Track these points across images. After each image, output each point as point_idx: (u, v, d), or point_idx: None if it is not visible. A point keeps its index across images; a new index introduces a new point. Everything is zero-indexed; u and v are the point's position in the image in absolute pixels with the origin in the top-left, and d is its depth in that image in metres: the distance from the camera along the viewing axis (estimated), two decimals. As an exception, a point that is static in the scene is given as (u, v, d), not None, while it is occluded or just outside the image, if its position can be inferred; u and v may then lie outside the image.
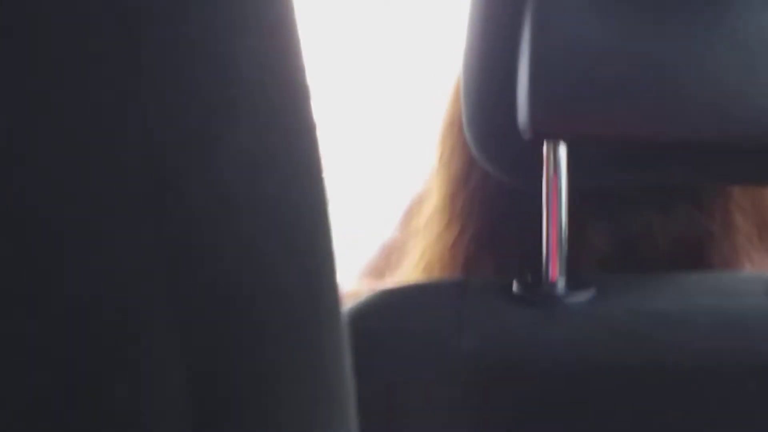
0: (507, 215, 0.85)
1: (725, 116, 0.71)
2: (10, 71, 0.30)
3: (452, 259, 0.86)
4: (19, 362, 0.32)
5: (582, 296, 0.75)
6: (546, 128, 0.72)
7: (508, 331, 0.73)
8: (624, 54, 0.71)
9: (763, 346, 0.72)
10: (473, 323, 0.74)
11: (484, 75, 0.76)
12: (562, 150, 0.73)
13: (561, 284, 0.75)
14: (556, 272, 0.75)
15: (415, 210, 0.95)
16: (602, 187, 0.80)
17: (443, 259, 0.87)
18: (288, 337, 0.35)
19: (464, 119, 0.77)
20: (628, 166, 0.77)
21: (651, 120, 0.72)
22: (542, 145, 0.74)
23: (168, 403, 0.32)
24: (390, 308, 0.77)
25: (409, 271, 0.91)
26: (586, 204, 0.80)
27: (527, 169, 0.75)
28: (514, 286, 0.76)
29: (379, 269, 1.15)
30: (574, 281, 0.76)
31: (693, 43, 0.70)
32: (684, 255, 0.83)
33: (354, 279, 1.21)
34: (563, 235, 0.75)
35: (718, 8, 0.70)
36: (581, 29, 0.71)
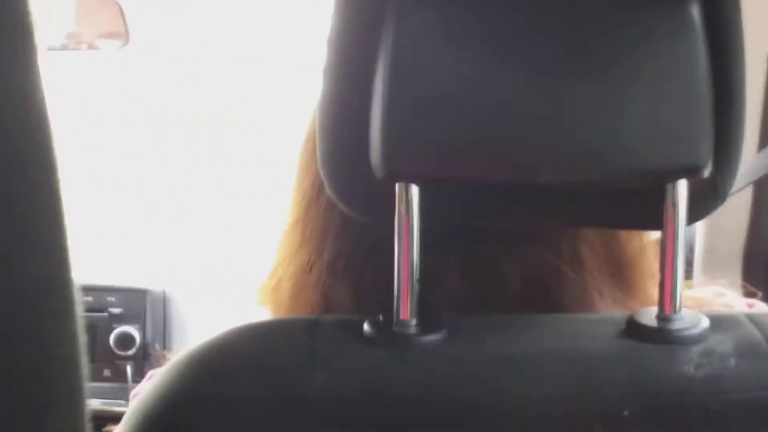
0: (360, 247, 0.86)
1: (572, 160, 0.73)
2: None
3: (305, 281, 0.88)
4: None
5: (433, 337, 0.76)
6: (398, 169, 0.74)
7: (357, 370, 0.74)
8: (477, 98, 0.72)
9: (609, 390, 0.73)
10: (324, 362, 0.74)
11: (338, 112, 0.76)
12: (414, 191, 0.75)
13: (412, 324, 0.76)
14: (407, 312, 0.76)
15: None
16: (453, 227, 0.82)
17: (295, 278, 0.88)
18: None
19: (318, 155, 0.78)
20: (478, 208, 0.79)
21: (501, 164, 0.73)
22: (394, 185, 0.75)
23: None
24: (240, 346, 0.77)
25: (260, 288, 0.92)
26: (438, 243, 0.81)
27: (380, 208, 0.77)
28: (365, 326, 0.76)
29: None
30: (426, 321, 0.76)
31: (548, 89, 0.72)
32: (534, 295, 0.85)
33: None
34: (414, 276, 0.76)
35: (577, 54, 0.72)
36: (436, 71, 0.72)
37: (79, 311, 0.46)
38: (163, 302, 2.40)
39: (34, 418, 0.44)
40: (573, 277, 0.86)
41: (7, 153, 0.43)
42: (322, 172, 0.78)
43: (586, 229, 0.86)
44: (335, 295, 0.87)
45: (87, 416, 0.46)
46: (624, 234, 0.88)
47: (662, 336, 0.77)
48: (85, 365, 0.46)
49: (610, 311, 0.86)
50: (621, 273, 0.88)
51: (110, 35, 2.13)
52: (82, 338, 0.46)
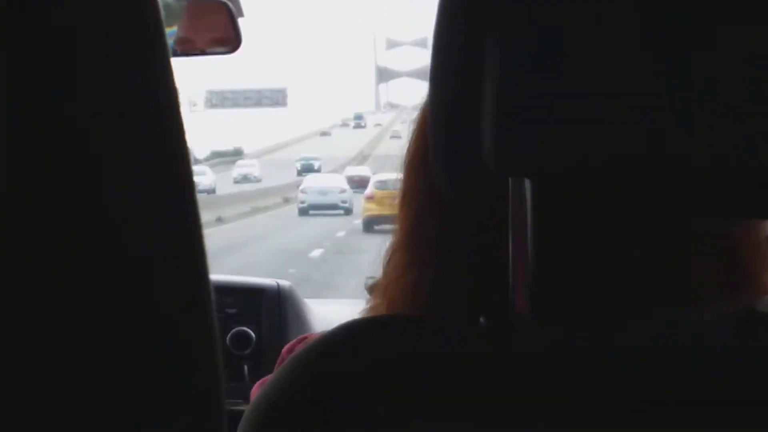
0: (469, 252, 0.86)
1: (696, 152, 0.73)
2: None
3: (415, 296, 0.88)
4: None
5: (551, 330, 0.77)
6: (511, 164, 0.75)
7: (478, 363, 0.75)
8: (588, 91, 0.73)
9: (734, 379, 0.75)
10: (444, 355, 0.76)
11: (450, 108, 0.77)
12: (528, 185, 0.76)
13: (528, 316, 0.77)
14: (521, 305, 0.76)
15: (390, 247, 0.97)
16: (568, 222, 0.82)
17: (406, 297, 0.89)
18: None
19: (431, 152, 0.79)
20: (593, 202, 0.79)
21: (617, 159, 0.74)
22: (508, 179, 0.76)
23: None
24: (352, 344, 0.78)
25: (374, 309, 0.93)
26: (553, 238, 0.82)
27: (493, 202, 0.77)
28: (482, 319, 0.77)
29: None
30: (541, 314, 0.77)
31: (666, 86, 0.72)
32: (650, 287, 0.85)
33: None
34: (529, 269, 0.76)
35: (685, 56, 0.72)
36: (546, 62, 0.73)
37: (214, 309, 0.48)
38: (278, 300, 2.38)
39: (172, 415, 0.46)
40: (689, 271, 0.85)
41: (147, 154, 0.46)
42: (435, 170, 0.79)
43: (702, 220, 0.86)
44: (442, 302, 0.87)
45: (224, 414, 0.48)
46: (740, 227, 0.87)
47: None
48: (221, 363, 0.48)
49: (727, 304, 0.85)
50: (737, 267, 0.87)
51: (221, 41, 2.13)
52: (217, 336, 0.48)
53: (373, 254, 1.00)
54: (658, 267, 0.85)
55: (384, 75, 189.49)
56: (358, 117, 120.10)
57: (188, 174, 0.47)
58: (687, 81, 0.72)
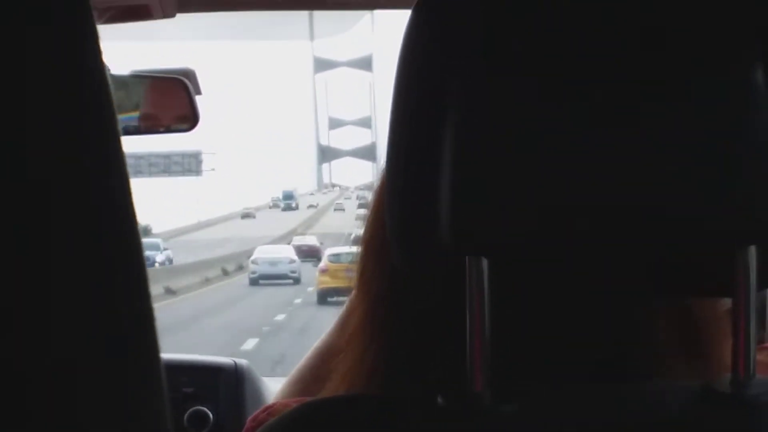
0: (427, 332, 0.90)
1: (643, 229, 0.77)
2: None
3: (374, 376, 0.91)
4: None
5: (508, 407, 0.78)
6: (468, 243, 0.77)
7: None
8: (545, 172, 0.76)
9: None
10: None
11: (407, 187, 0.80)
12: (485, 264, 0.77)
13: (486, 395, 0.78)
14: (480, 384, 0.78)
15: (346, 318, 1.04)
16: (525, 299, 0.85)
17: (365, 377, 0.92)
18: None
19: (387, 230, 0.82)
20: (549, 281, 0.82)
21: (570, 238, 0.77)
22: (465, 258, 0.78)
23: None
24: (313, 423, 0.81)
25: (333, 389, 0.95)
26: (509, 315, 0.84)
27: (450, 282, 0.79)
28: (439, 399, 0.79)
29: (308, 377, 1.26)
30: (499, 392, 0.78)
31: (616, 158, 0.75)
32: (608, 363, 0.88)
33: (284, 386, 1.28)
34: (486, 348, 0.77)
35: (645, 123, 0.76)
36: (504, 142, 0.76)
37: (165, 390, 0.53)
38: (235, 378, 2.42)
39: None
40: (646, 345, 0.88)
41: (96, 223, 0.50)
42: (392, 247, 0.82)
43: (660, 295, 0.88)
44: (401, 383, 0.90)
45: None
46: (698, 301, 0.90)
47: (737, 401, 0.78)
48: None
49: (684, 378, 0.87)
50: (694, 340, 0.90)
51: (182, 118, 2.19)
52: (168, 415, 0.53)
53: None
54: (616, 342, 0.87)
55: (327, 154, 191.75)
56: (288, 197, 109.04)
57: (138, 248, 0.51)
58: (640, 161, 0.75)
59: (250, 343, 17.12)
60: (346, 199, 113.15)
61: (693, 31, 0.77)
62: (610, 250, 0.79)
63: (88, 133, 0.51)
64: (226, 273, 34.65)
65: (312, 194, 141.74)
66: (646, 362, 0.88)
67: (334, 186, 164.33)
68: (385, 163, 0.83)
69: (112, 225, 0.51)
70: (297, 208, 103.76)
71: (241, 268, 35.30)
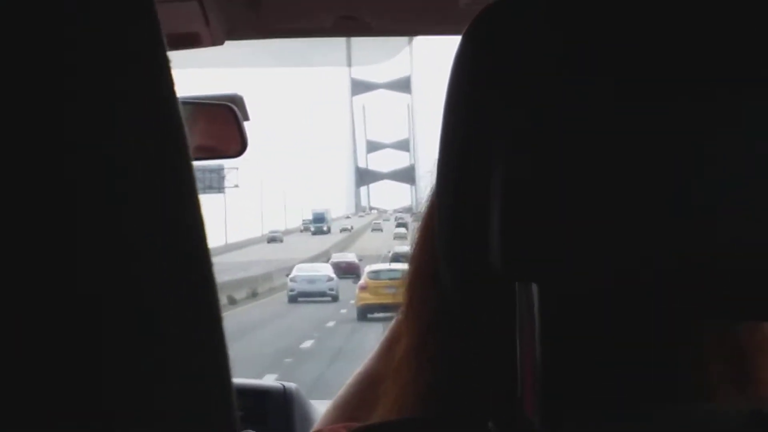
0: (478, 358, 0.91)
1: (698, 251, 0.77)
2: None
3: (424, 402, 0.93)
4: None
5: None
6: (518, 269, 0.79)
7: None
8: (594, 198, 0.77)
9: None
10: None
11: (458, 214, 0.81)
12: (535, 290, 0.79)
13: (537, 421, 0.79)
14: (531, 409, 0.79)
15: (392, 343, 1.04)
16: (574, 323, 0.86)
17: (416, 402, 0.93)
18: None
19: (439, 255, 0.83)
20: (600, 307, 0.84)
21: (627, 269, 0.78)
22: (515, 284, 0.80)
23: None
24: None
25: (384, 415, 0.96)
26: (560, 340, 0.84)
27: (501, 307, 0.81)
28: (490, 425, 0.80)
29: (354, 402, 1.25)
30: (551, 418, 0.80)
31: (666, 185, 0.76)
32: (658, 387, 0.88)
33: (328, 411, 1.29)
34: (538, 373, 0.79)
35: (690, 146, 0.76)
36: (556, 170, 0.77)
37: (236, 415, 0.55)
38: (284, 402, 2.44)
39: None
40: (696, 371, 0.89)
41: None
42: (442, 273, 0.84)
43: (707, 328, 0.89)
44: (452, 407, 0.92)
45: None
46: (747, 324, 0.91)
47: None
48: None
49: (733, 404, 0.88)
50: (745, 364, 0.90)
51: (231, 144, 2.25)
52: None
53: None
54: (665, 370, 0.88)
55: (365, 177, 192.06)
56: (319, 219, 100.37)
57: (211, 272, 0.53)
58: (686, 194, 0.75)
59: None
60: (384, 221, 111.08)
61: (744, 52, 0.77)
62: (661, 277, 0.79)
63: (165, 160, 0.53)
64: (232, 302, 33.96)
65: (348, 217, 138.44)
66: (695, 388, 0.89)
67: (372, 209, 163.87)
68: (435, 187, 0.86)
69: (185, 250, 0.52)
70: (329, 231, 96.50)
71: (254, 295, 35.44)
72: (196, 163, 0.53)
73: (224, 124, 2.22)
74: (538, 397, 0.80)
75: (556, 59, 0.79)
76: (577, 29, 0.79)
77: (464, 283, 0.84)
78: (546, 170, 0.78)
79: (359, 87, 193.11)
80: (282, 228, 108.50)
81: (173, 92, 0.54)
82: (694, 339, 0.90)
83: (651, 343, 0.89)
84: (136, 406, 0.50)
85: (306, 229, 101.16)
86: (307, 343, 20.99)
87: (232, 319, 25.35)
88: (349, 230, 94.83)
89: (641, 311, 0.84)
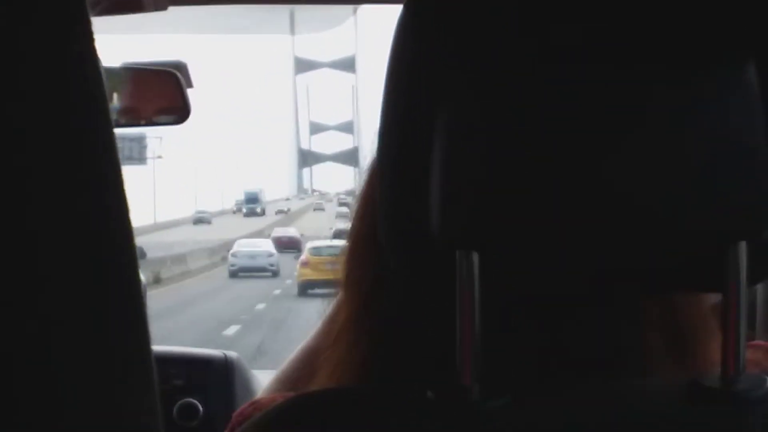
0: (417, 327, 0.93)
1: (631, 227, 0.79)
2: None
3: (363, 372, 0.94)
4: None
5: (497, 402, 0.81)
6: (459, 237, 0.80)
7: None
8: (533, 169, 0.78)
9: None
10: (389, 429, 0.82)
11: (399, 181, 0.82)
12: (475, 259, 0.80)
13: (476, 390, 0.80)
14: (469, 378, 0.80)
15: (333, 318, 1.04)
16: (514, 295, 0.88)
17: (354, 373, 0.94)
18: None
19: (379, 224, 0.84)
20: (538, 277, 0.84)
21: (558, 234, 0.80)
22: (455, 252, 0.80)
23: None
24: (300, 417, 0.84)
25: (322, 384, 0.97)
26: (498, 310, 0.86)
27: (440, 277, 0.82)
28: (429, 392, 0.81)
29: (294, 375, 1.28)
30: (489, 387, 0.81)
31: (602, 155, 0.78)
32: (594, 361, 0.90)
33: (270, 384, 1.33)
34: (476, 342, 0.80)
35: (631, 120, 0.78)
36: (495, 139, 0.79)
37: (155, 382, 0.55)
38: (225, 370, 2.50)
39: None
40: (634, 343, 0.91)
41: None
42: (382, 242, 0.85)
43: (647, 304, 0.91)
44: (391, 378, 0.93)
45: None
46: (684, 297, 0.93)
47: (726, 397, 0.80)
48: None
49: (671, 376, 0.90)
50: (680, 337, 0.92)
51: (168, 110, 2.22)
52: (159, 410, 0.56)
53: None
54: (603, 338, 0.90)
55: (308, 159, 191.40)
56: (252, 199, 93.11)
57: (130, 238, 0.53)
58: (630, 158, 0.78)
59: (232, 329, 18.65)
60: (327, 201, 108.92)
61: (685, 29, 0.79)
62: (600, 246, 0.81)
63: (81, 123, 0.52)
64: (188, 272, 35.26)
65: (288, 199, 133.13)
66: (632, 360, 0.91)
67: (314, 192, 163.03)
68: (376, 156, 0.87)
69: (103, 216, 0.52)
70: (263, 213, 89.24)
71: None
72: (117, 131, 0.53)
73: (168, 91, 2.22)
74: (476, 366, 0.81)
75: (499, 28, 0.81)
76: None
77: (405, 252, 0.85)
78: (487, 140, 0.80)
79: (303, 65, 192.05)
80: (219, 208, 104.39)
81: (93, 52, 0.52)
82: (633, 311, 0.92)
83: (590, 314, 0.91)
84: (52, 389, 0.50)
85: (239, 210, 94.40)
86: (249, 315, 21.80)
87: (170, 294, 26.52)
88: (285, 212, 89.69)
89: (580, 282, 0.86)
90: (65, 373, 0.51)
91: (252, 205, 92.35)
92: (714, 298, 0.88)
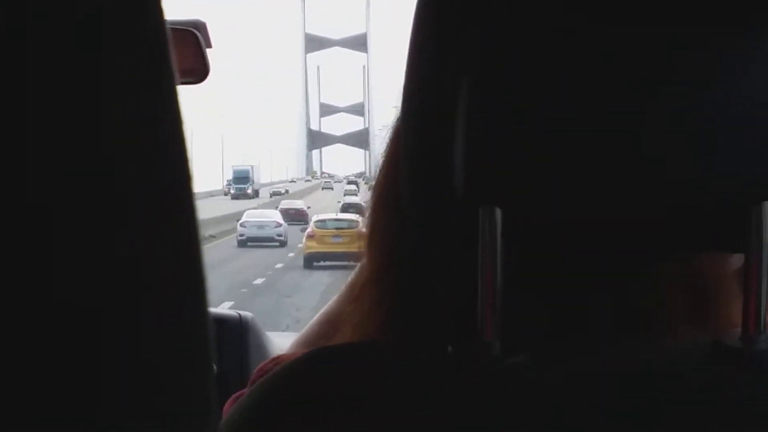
0: (440, 283, 0.93)
1: (655, 186, 0.80)
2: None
3: (386, 328, 0.95)
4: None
5: (517, 357, 0.82)
6: (482, 193, 0.81)
7: (444, 391, 0.82)
8: (557, 127, 0.80)
9: (698, 413, 0.81)
10: (409, 384, 0.83)
11: (422, 138, 0.84)
12: (498, 214, 0.81)
13: (496, 345, 0.81)
14: (490, 334, 0.81)
15: (354, 282, 1.04)
16: (537, 255, 0.89)
17: (377, 329, 0.95)
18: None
19: (401, 180, 0.87)
20: (562, 236, 0.85)
21: (582, 194, 0.81)
22: (478, 209, 0.81)
23: None
24: (322, 369, 0.86)
25: (342, 341, 0.98)
26: (522, 269, 0.88)
27: (463, 232, 0.83)
28: (449, 347, 0.83)
29: (313, 338, 1.30)
30: (510, 343, 0.82)
31: (627, 113, 0.80)
32: (618, 321, 0.91)
33: (291, 347, 1.36)
34: (498, 299, 0.82)
35: (656, 79, 0.80)
36: (517, 98, 0.80)
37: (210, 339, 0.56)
38: (240, 331, 2.51)
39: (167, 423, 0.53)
40: (655, 305, 0.91)
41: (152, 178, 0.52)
42: (404, 198, 0.87)
43: (669, 264, 0.92)
44: (413, 335, 0.94)
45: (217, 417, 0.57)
46: (706, 259, 0.93)
47: (746, 356, 0.82)
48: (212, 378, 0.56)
49: (692, 332, 0.91)
50: (705, 298, 0.93)
51: (189, 71, 2.24)
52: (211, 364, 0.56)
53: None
54: (625, 297, 0.91)
55: (317, 140, 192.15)
56: (241, 178, 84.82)
57: (191, 199, 0.53)
58: (651, 122, 0.79)
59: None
60: (336, 182, 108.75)
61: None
62: (623, 205, 0.82)
63: (148, 82, 0.53)
64: (211, 237, 37.00)
65: (293, 181, 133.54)
66: (654, 321, 0.92)
67: (323, 174, 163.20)
68: (400, 114, 0.88)
69: (165, 177, 0.53)
70: (255, 195, 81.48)
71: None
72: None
73: (187, 49, 2.22)
74: (497, 322, 0.82)
75: None
76: None
77: (428, 209, 0.87)
78: (510, 97, 0.82)
79: (313, 43, 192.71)
80: (208, 188, 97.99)
81: (161, 16, 0.55)
82: (653, 271, 0.93)
83: (610, 273, 0.92)
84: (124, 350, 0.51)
85: (230, 192, 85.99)
86: (259, 281, 23.27)
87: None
88: (282, 194, 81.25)
89: (602, 241, 0.87)
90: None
91: (241, 185, 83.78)
92: (738, 262, 0.90)
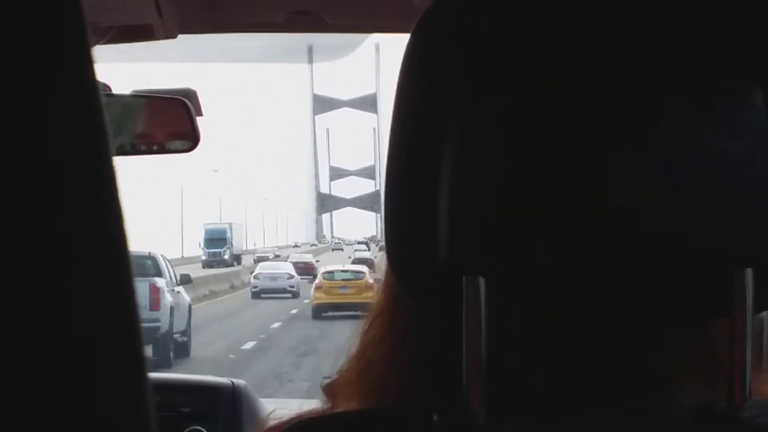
0: (425, 350, 0.96)
1: (638, 253, 0.82)
2: None
3: (377, 399, 0.98)
4: None
5: (502, 427, 0.85)
6: (465, 263, 0.84)
7: None
8: (540, 195, 0.82)
9: None
10: None
11: (406, 208, 0.87)
12: (481, 283, 0.83)
13: (482, 414, 0.84)
14: (476, 402, 0.84)
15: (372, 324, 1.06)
16: (523, 319, 0.90)
17: (386, 361, 0.99)
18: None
19: (387, 252, 0.89)
20: (547, 301, 0.87)
21: (566, 261, 0.83)
22: (462, 277, 0.84)
23: None
24: None
25: (340, 376, 1.02)
26: (511, 332, 0.90)
27: (448, 299, 0.85)
28: (435, 416, 0.85)
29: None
30: (497, 411, 0.84)
31: (611, 181, 0.81)
32: (613, 383, 0.92)
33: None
34: (483, 367, 0.83)
35: (639, 146, 0.82)
36: (501, 166, 0.83)
37: (153, 412, 0.55)
38: (233, 398, 2.61)
39: None
40: (653, 368, 0.92)
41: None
42: (389, 261, 0.90)
43: (673, 315, 0.92)
44: (415, 388, 0.96)
45: None
46: (715, 325, 0.93)
47: (732, 425, 0.84)
48: None
49: (690, 399, 0.91)
50: (713, 358, 0.93)
51: (180, 136, 2.32)
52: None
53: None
54: (615, 365, 0.92)
55: (327, 204, 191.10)
56: (216, 238, 68.16)
57: (127, 260, 0.54)
58: (638, 184, 0.81)
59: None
60: (347, 245, 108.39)
61: (693, 54, 0.84)
62: (608, 271, 0.84)
63: (79, 150, 0.54)
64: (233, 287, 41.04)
65: (296, 245, 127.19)
66: (655, 385, 0.92)
67: (333, 238, 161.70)
68: (384, 184, 0.89)
69: (101, 242, 0.54)
70: (233, 263, 65.21)
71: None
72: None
73: (177, 118, 2.32)
74: (482, 391, 0.84)
75: (505, 51, 0.85)
76: (524, 18, 0.85)
77: (411, 277, 0.89)
78: (493, 166, 0.84)
79: (322, 104, 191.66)
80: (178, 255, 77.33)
81: (93, 78, 0.54)
82: (648, 338, 0.94)
83: (598, 340, 0.93)
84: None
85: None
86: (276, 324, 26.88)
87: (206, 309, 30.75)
88: (270, 259, 64.34)
89: (588, 308, 0.88)
90: (50, 388, 0.52)
91: (215, 249, 68.27)
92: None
